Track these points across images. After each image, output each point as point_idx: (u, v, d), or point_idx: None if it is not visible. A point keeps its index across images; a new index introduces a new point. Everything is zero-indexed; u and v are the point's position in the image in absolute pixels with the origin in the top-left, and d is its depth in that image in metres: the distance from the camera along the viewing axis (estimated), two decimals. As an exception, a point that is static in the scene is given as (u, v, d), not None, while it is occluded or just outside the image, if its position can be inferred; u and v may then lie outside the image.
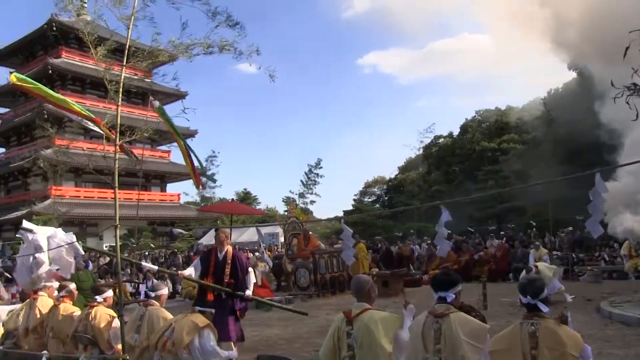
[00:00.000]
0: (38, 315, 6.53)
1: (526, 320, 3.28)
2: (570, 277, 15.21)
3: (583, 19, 16.07)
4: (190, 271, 6.90)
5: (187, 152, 5.90)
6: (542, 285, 3.41)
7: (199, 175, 6.39)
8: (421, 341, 3.57)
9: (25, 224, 6.37)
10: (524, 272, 12.66)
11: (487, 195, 29.03)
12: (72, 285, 6.76)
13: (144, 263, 8.01)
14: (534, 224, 21.60)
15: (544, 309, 3.30)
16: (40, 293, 6.95)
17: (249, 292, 6.77)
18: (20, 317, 7.21)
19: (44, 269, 6.35)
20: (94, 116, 5.56)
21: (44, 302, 6.69)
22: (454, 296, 3.64)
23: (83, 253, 6.71)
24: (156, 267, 6.99)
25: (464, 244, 18.73)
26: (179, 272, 7.34)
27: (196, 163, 6.05)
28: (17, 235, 6.60)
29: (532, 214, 26.47)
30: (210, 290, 6.65)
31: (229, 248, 6.87)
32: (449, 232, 5.87)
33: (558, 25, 18.34)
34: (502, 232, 20.99)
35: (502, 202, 32.69)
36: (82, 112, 5.50)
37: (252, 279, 6.99)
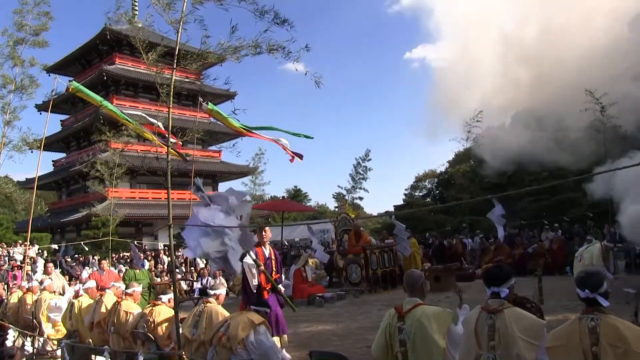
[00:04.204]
0: (103, 311, 6.88)
1: (586, 315, 3.09)
2: (634, 270, 14.68)
3: None
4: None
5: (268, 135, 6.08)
6: (600, 278, 3.20)
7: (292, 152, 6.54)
8: (474, 338, 3.47)
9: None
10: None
11: (540, 188, 28.10)
12: (138, 288, 7.07)
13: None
14: (592, 215, 20.86)
15: (604, 302, 3.10)
16: (107, 291, 7.33)
17: (282, 288, 6.99)
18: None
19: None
20: (140, 128, 5.78)
21: (109, 299, 7.02)
22: (507, 291, 3.51)
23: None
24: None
25: (517, 237, 18.36)
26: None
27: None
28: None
29: (590, 205, 25.52)
30: (266, 286, 6.74)
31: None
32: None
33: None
34: (556, 224, 20.33)
35: (557, 193, 31.63)
36: (130, 123, 5.75)
37: None
